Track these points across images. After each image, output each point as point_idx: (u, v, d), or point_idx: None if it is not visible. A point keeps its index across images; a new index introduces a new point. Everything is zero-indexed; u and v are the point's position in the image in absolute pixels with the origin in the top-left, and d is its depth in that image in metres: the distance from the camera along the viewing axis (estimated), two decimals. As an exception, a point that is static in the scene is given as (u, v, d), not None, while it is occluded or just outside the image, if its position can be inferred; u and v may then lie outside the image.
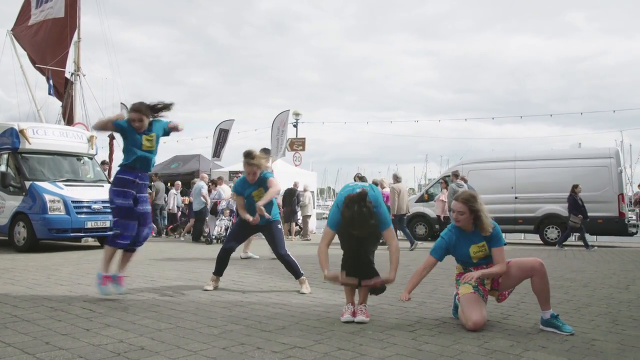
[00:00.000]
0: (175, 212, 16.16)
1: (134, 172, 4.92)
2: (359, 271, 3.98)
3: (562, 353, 3.19)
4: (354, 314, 4.00)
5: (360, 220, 3.74)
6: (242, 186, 5.45)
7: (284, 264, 5.47)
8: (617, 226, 13.32)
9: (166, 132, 5.10)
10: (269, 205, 5.37)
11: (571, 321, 4.04)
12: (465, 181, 12.51)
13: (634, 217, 17.74)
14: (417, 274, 4.04)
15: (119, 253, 5.01)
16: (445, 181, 13.47)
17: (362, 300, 4.10)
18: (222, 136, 19.74)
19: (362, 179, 13.08)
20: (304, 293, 5.20)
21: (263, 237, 5.71)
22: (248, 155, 5.28)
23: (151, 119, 4.96)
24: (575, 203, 12.27)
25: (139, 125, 4.83)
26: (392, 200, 11.88)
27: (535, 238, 14.37)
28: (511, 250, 11.18)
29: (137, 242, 5.07)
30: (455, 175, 12.70)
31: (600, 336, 3.62)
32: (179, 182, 16.72)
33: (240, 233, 5.64)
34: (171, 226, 16.03)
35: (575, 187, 12.42)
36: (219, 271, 5.50)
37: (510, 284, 3.99)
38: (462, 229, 4.00)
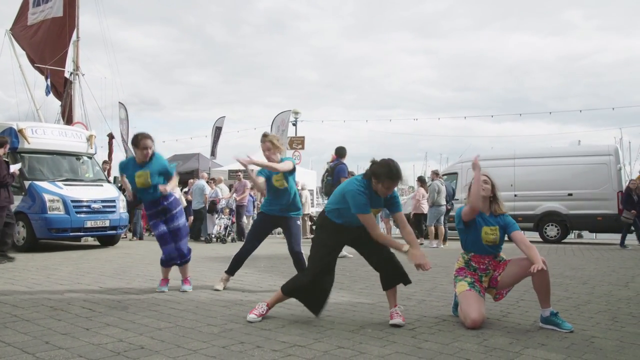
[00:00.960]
0: None
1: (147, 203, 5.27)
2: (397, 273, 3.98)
3: (561, 350, 3.20)
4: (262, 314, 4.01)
5: (399, 169, 3.76)
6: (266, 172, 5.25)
7: (294, 260, 5.38)
8: (616, 223, 13.31)
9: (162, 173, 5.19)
10: (293, 200, 5.28)
11: (570, 318, 4.04)
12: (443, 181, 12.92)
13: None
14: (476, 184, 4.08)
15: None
16: (420, 180, 13.48)
17: (395, 302, 4.00)
18: (216, 134, 19.75)
19: (436, 173, 13.04)
20: None
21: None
22: (263, 135, 5.31)
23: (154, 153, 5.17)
24: (629, 198, 11.80)
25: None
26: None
27: (535, 236, 14.37)
28: (511, 248, 11.16)
29: (183, 255, 5.36)
30: (436, 173, 12.98)
31: (599, 333, 3.63)
32: None
33: (260, 231, 5.52)
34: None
35: (631, 181, 12.20)
36: (232, 271, 5.47)
37: (510, 282, 3.99)
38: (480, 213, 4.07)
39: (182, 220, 5.34)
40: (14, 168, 8.46)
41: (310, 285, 3.93)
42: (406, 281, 4.00)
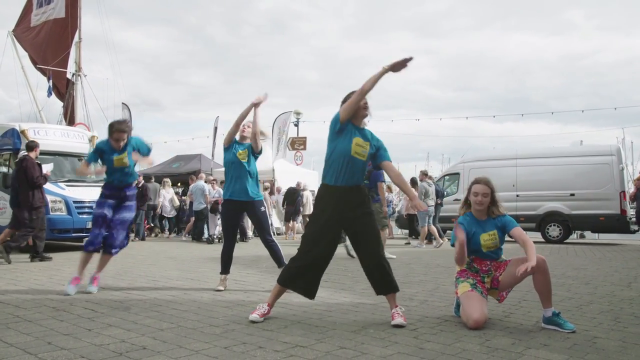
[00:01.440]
0: (167, 212, 15.72)
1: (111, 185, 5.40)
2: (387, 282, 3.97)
3: (563, 351, 3.19)
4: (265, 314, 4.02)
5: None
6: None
7: (268, 249, 5.47)
8: (618, 224, 13.29)
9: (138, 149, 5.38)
10: (252, 184, 5.36)
11: (573, 319, 4.03)
12: (433, 181, 13.36)
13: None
14: (460, 250, 3.94)
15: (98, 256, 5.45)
16: (412, 181, 13.56)
17: (396, 304, 3.97)
18: (215, 134, 19.77)
19: (425, 174, 13.28)
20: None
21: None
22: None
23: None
24: None
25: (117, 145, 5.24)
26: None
27: (537, 236, 14.35)
28: (512, 248, 11.17)
29: (110, 245, 5.37)
30: (425, 174, 13.17)
31: (602, 334, 3.62)
32: (168, 180, 16.11)
33: (229, 224, 5.51)
34: (148, 226, 15.31)
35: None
36: (225, 269, 5.48)
37: (511, 282, 3.99)
38: (475, 218, 4.06)
39: (130, 215, 5.49)
40: (47, 169, 8.65)
41: (299, 270, 3.97)
42: (391, 290, 3.97)
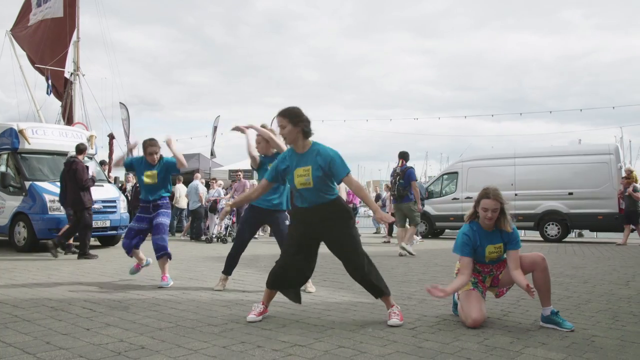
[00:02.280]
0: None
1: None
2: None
3: (562, 349, 3.20)
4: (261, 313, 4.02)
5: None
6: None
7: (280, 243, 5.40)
8: (616, 222, 13.30)
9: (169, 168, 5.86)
10: (279, 194, 5.28)
11: (571, 317, 4.04)
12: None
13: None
14: (463, 277, 3.88)
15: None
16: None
17: (392, 303, 3.99)
18: (214, 134, 19.75)
19: None
20: (310, 292, 5.14)
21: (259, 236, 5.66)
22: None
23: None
24: None
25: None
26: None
27: (536, 235, 14.37)
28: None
29: (156, 251, 5.73)
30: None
31: (600, 332, 3.63)
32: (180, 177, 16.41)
33: (246, 228, 5.48)
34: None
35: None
36: (228, 270, 5.45)
37: (510, 281, 3.99)
38: (482, 228, 3.94)
39: (164, 219, 5.85)
40: (92, 170, 9.17)
41: (281, 270, 3.98)
42: (381, 295, 4.00)
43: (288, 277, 4.00)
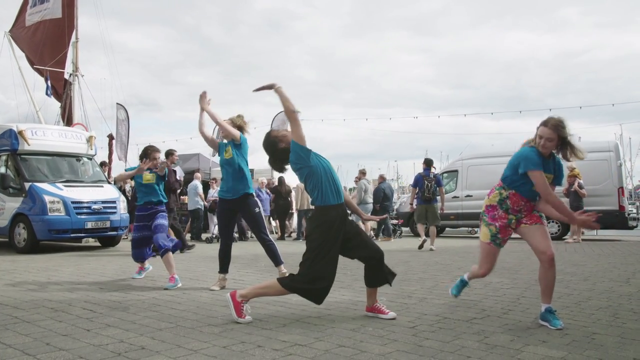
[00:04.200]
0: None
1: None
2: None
3: (562, 347, 3.20)
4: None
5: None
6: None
7: (265, 248, 5.53)
8: (617, 220, 13.28)
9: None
10: (243, 179, 5.40)
11: (572, 315, 4.04)
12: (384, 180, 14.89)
13: (634, 211, 17.72)
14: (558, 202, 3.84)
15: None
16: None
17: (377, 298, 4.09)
18: (214, 132, 19.74)
19: (363, 173, 14.27)
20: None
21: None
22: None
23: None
24: None
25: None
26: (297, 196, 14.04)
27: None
28: (513, 244, 11.20)
29: (160, 247, 5.81)
30: (363, 173, 14.19)
31: (600, 330, 3.62)
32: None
33: (223, 223, 5.55)
34: None
35: None
36: (223, 269, 5.47)
37: (527, 240, 3.90)
38: (540, 154, 3.89)
39: (162, 221, 5.98)
40: (179, 174, 10.08)
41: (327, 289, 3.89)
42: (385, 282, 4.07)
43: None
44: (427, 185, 10.55)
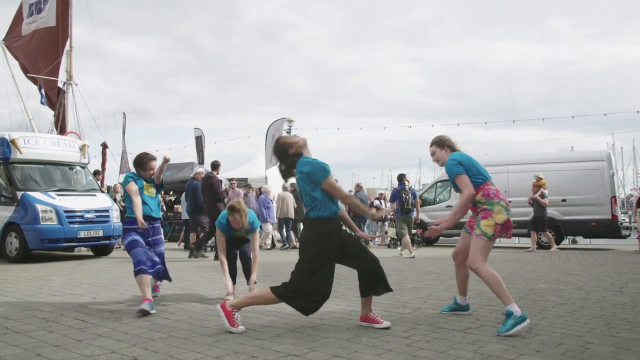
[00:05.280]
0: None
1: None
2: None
3: (556, 357, 3.19)
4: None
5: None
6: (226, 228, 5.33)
7: (242, 261, 5.54)
8: (610, 229, 13.34)
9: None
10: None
11: (566, 324, 4.04)
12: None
13: (627, 220, 17.81)
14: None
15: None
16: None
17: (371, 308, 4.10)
18: (198, 143, 19.70)
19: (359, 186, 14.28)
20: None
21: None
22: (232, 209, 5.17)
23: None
24: None
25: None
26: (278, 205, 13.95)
27: (529, 242, 14.37)
28: (503, 253, 11.23)
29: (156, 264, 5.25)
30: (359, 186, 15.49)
31: (594, 339, 3.62)
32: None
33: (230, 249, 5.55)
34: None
35: None
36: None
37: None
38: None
39: (163, 248, 5.43)
40: (225, 184, 10.87)
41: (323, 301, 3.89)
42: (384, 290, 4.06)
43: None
44: (405, 198, 11.27)
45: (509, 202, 4.26)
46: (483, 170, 4.22)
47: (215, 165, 10.48)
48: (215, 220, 5.53)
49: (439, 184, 16.07)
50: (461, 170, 4.09)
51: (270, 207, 13.59)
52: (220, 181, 10.42)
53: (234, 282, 5.47)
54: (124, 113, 19.40)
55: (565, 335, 3.74)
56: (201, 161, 20.22)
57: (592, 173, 13.56)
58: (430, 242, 15.82)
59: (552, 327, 3.98)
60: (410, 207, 11.26)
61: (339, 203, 3.94)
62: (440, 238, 16.16)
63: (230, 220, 5.17)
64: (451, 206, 15.00)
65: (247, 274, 5.45)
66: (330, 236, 3.79)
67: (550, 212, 13.70)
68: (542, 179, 12.74)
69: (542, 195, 12.51)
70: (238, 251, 5.56)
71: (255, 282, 5.28)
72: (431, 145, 4.45)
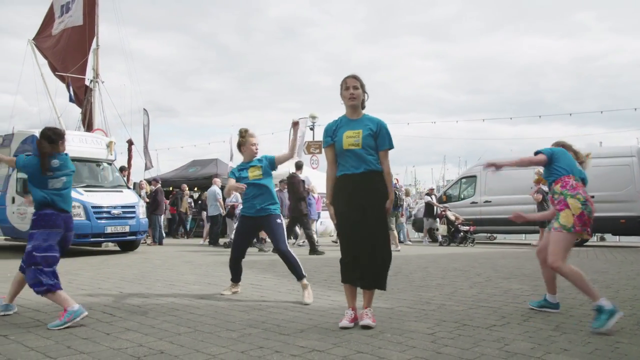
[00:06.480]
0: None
1: None
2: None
3: (584, 355, 3.14)
4: (354, 319, 3.90)
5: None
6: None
7: (284, 261, 5.21)
8: (639, 225, 13.04)
9: None
10: (268, 198, 5.23)
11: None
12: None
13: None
14: None
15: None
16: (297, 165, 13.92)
17: (368, 304, 3.95)
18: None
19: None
20: (306, 304, 4.81)
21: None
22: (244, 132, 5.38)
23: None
24: None
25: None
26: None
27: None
28: (531, 250, 11.06)
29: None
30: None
31: (624, 338, 3.55)
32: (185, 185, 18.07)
33: (242, 238, 5.47)
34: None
35: None
36: (235, 278, 5.45)
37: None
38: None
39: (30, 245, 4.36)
40: (308, 184, 11.44)
41: (350, 264, 3.95)
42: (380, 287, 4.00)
43: (357, 270, 3.91)
44: (398, 195, 12.54)
45: (591, 197, 4.22)
46: (574, 167, 4.30)
47: (298, 166, 11.22)
48: (299, 217, 5.59)
49: (463, 180, 15.91)
50: (547, 151, 4.33)
51: (313, 204, 13.03)
52: (302, 181, 11.02)
53: (239, 280, 5.44)
54: (144, 109, 19.65)
55: (594, 333, 3.67)
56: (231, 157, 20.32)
57: (622, 169, 13.26)
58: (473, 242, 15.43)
59: (580, 326, 3.92)
60: (401, 203, 13.48)
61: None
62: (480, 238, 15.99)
63: (248, 144, 5.30)
64: (476, 202, 14.85)
65: (294, 272, 5.15)
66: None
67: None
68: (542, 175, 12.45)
69: (540, 192, 12.20)
70: (271, 250, 5.47)
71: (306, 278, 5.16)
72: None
